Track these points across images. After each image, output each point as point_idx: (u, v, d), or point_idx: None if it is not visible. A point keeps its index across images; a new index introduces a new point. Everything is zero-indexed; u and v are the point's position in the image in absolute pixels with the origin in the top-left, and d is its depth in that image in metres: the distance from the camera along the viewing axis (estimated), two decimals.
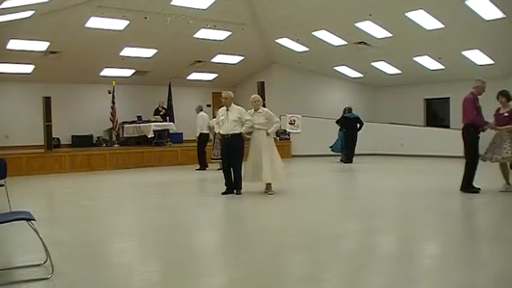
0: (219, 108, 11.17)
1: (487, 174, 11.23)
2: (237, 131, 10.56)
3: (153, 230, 7.64)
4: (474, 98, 10.43)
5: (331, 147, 19.69)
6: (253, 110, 10.85)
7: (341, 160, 19.37)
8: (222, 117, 10.68)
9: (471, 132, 10.43)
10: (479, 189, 10.34)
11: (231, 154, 10.70)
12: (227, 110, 10.70)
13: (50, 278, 4.93)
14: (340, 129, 19.35)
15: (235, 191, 10.79)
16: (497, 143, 10.27)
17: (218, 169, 15.80)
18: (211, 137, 16.67)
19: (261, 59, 23.97)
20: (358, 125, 19.03)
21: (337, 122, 19.29)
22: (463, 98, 10.65)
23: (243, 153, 10.93)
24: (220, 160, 14.60)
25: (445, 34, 17.85)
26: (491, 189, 10.49)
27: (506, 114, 10.24)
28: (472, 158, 10.44)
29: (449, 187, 11.33)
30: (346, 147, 19.22)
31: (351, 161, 19.01)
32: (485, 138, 10.66)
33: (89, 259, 5.83)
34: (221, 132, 10.68)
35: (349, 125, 19.04)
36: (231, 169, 10.80)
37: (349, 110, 19.36)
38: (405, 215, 8.65)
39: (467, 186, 10.40)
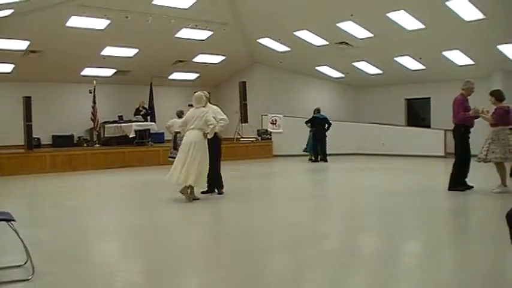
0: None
1: (479, 174, 11.33)
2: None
3: (135, 231, 7.62)
4: (464, 98, 10.59)
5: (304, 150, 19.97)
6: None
7: (310, 160, 19.71)
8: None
9: (462, 132, 10.57)
10: (472, 186, 10.55)
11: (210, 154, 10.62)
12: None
13: (30, 279, 4.90)
14: (310, 130, 19.63)
15: (216, 190, 10.77)
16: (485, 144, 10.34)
17: None
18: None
19: (243, 59, 23.97)
20: (327, 125, 19.44)
21: (307, 122, 19.53)
22: (453, 98, 10.79)
23: (220, 153, 10.93)
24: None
25: (425, 34, 17.97)
26: (481, 188, 10.55)
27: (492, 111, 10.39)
28: (462, 157, 10.57)
29: (432, 186, 11.43)
30: (316, 147, 19.58)
31: (326, 160, 19.33)
32: (477, 138, 10.75)
33: (70, 260, 5.79)
34: None
35: (318, 125, 19.37)
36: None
37: (318, 110, 19.75)
38: (388, 214, 8.70)
39: (455, 184, 10.55)
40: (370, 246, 6.60)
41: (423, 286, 4.74)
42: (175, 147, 15.82)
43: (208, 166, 10.03)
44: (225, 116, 10.63)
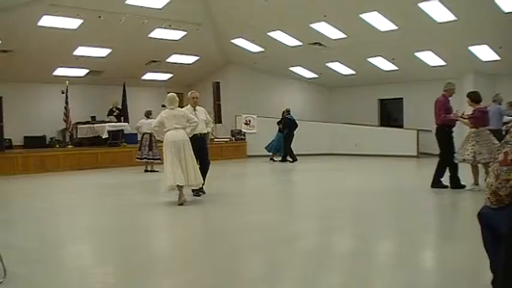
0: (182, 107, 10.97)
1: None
2: (205, 131, 10.68)
3: (109, 232, 7.57)
4: (445, 99, 10.84)
5: (266, 147, 20.23)
6: (191, 107, 10.76)
7: (272, 159, 19.99)
8: None
9: (446, 132, 10.77)
10: (447, 186, 10.75)
11: (200, 153, 10.61)
12: (194, 110, 10.66)
13: (2, 282, 4.84)
14: (279, 130, 19.86)
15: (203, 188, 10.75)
16: (465, 144, 10.46)
17: (145, 170, 15.93)
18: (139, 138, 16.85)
19: (217, 59, 23.93)
20: (295, 127, 19.75)
21: (279, 123, 19.72)
22: (435, 99, 11.03)
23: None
24: (147, 161, 14.80)
25: (398, 36, 18.11)
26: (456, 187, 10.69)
27: (470, 113, 10.52)
28: (446, 156, 10.74)
29: (405, 186, 11.53)
30: (285, 147, 19.76)
31: (295, 159, 19.55)
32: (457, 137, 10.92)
33: (43, 262, 5.74)
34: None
35: (290, 126, 19.57)
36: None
37: (288, 111, 20.00)
38: (362, 213, 8.77)
39: (437, 182, 10.83)
40: (345, 245, 6.64)
41: (397, 285, 4.78)
42: (140, 147, 15.93)
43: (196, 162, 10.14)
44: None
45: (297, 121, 19.68)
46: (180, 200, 9.63)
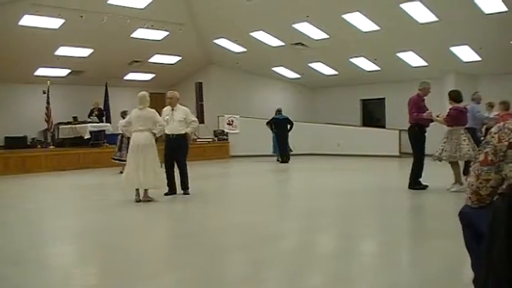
0: (164, 107, 10.98)
1: (436, 173, 11.56)
2: (183, 132, 10.56)
3: (91, 233, 7.53)
4: (419, 98, 10.85)
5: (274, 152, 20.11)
6: (169, 107, 10.77)
7: (278, 160, 19.77)
8: (167, 117, 10.54)
9: (415, 132, 10.81)
10: (426, 186, 10.72)
11: (174, 154, 10.61)
12: (172, 110, 10.63)
13: None
14: (272, 131, 19.80)
15: (183, 191, 10.75)
16: (453, 142, 10.42)
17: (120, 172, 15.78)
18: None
19: (199, 60, 23.90)
20: (289, 126, 19.57)
21: (267, 123, 19.65)
22: (409, 98, 11.01)
23: (187, 153, 10.94)
24: (123, 162, 14.47)
25: (380, 36, 18.23)
26: (438, 187, 10.73)
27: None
28: (418, 156, 10.77)
29: (387, 185, 11.58)
30: (280, 148, 19.64)
31: (286, 161, 19.44)
32: (434, 138, 10.95)
33: (26, 263, 5.70)
34: (166, 132, 10.48)
35: (279, 126, 19.51)
36: (173, 169, 10.73)
37: (279, 111, 19.90)
38: (345, 213, 8.81)
39: (414, 183, 10.76)
40: (327, 245, 6.67)
41: (379, 284, 4.82)
42: (120, 148, 15.76)
43: (159, 166, 10.09)
44: (195, 118, 10.69)
45: (286, 119, 19.64)
46: (137, 197, 9.91)
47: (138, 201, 9.85)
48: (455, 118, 10.43)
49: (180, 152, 10.69)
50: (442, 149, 10.40)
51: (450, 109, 10.55)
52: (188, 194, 10.70)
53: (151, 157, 9.85)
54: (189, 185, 10.82)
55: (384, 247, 6.36)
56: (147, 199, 9.95)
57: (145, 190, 9.95)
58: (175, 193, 10.72)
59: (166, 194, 10.62)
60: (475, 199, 3.59)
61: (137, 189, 9.90)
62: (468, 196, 3.66)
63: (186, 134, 10.57)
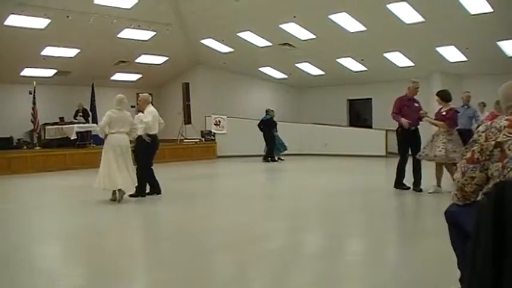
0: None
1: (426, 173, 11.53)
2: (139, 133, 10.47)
3: (76, 233, 7.49)
4: (402, 98, 10.76)
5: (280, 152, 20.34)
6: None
7: (279, 159, 20.15)
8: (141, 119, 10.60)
9: (397, 132, 10.78)
10: (409, 187, 10.66)
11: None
12: (141, 112, 10.80)
13: None
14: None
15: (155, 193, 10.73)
16: (434, 141, 10.37)
17: None
18: None
19: (186, 60, 23.86)
20: (273, 126, 19.93)
21: (258, 125, 19.87)
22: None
23: (145, 156, 10.71)
24: None
25: (367, 36, 18.29)
26: (425, 187, 10.61)
27: (444, 113, 10.40)
28: (400, 156, 10.77)
29: (374, 185, 11.61)
30: (267, 147, 19.99)
31: (270, 160, 19.76)
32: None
33: (10, 265, 5.67)
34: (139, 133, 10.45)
35: (264, 127, 19.80)
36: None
37: (266, 112, 20.21)
38: (332, 213, 8.83)
39: (399, 183, 10.80)
40: (314, 245, 6.68)
41: (366, 284, 4.83)
42: None
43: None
44: (146, 120, 10.45)
45: (270, 120, 19.82)
46: (113, 197, 9.97)
47: (114, 200, 9.91)
48: (456, 119, 10.39)
49: (148, 154, 10.66)
50: (424, 147, 10.42)
51: (448, 112, 10.39)
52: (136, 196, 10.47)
53: (130, 159, 10.10)
54: (144, 189, 10.60)
55: (370, 246, 6.39)
56: (121, 199, 9.98)
57: (121, 190, 9.95)
58: (144, 195, 10.55)
59: (131, 196, 10.42)
60: (460, 195, 3.66)
61: (115, 190, 9.91)
62: (454, 193, 3.72)
63: (140, 136, 10.47)
